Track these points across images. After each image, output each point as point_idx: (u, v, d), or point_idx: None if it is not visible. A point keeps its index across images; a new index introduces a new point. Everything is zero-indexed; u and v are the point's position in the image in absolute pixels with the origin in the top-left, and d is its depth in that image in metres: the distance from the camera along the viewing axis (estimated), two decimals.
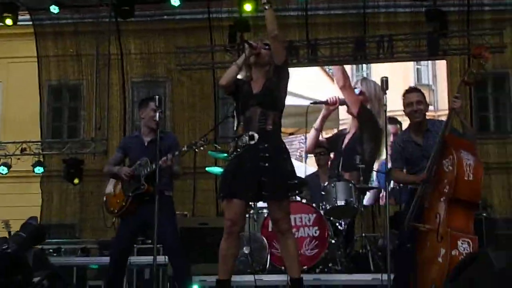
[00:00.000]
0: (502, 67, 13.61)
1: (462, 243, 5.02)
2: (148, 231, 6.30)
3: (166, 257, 6.35)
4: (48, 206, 13.85)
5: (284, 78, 5.12)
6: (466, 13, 12.79)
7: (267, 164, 4.84)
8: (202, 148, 5.98)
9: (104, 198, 6.38)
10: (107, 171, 6.34)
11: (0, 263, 5.84)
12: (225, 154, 7.60)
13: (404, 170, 5.80)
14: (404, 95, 5.74)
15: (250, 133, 4.92)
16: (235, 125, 5.26)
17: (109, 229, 12.58)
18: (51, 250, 10.36)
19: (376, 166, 10.82)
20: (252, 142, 4.89)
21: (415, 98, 5.63)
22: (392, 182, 7.32)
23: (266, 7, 5.11)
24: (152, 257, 5.98)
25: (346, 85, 11.81)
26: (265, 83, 5.08)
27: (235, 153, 4.99)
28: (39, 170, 12.75)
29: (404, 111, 5.74)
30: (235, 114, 5.23)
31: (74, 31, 13.91)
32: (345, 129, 11.62)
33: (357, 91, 11.65)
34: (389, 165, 6.05)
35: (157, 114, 6.04)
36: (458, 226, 5.15)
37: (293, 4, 13.40)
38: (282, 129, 5.23)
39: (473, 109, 12.97)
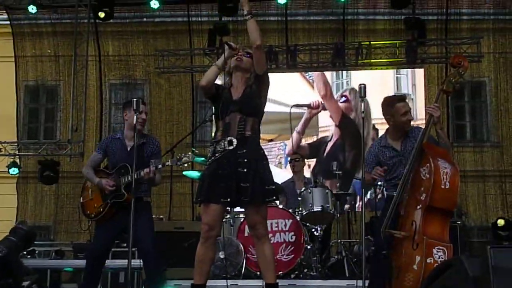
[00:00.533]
0: (479, 75, 13.70)
1: (437, 251, 5.01)
2: (126, 235, 6.19)
3: (141, 260, 6.27)
4: (23, 207, 13.73)
5: (264, 85, 5.13)
6: (445, 21, 12.86)
7: (245, 170, 4.86)
8: (186, 165, 6.01)
9: (81, 200, 6.27)
10: (87, 176, 6.17)
11: None
12: (203, 158, 7.60)
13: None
14: (396, 103, 5.72)
15: (229, 138, 4.93)
16: (214, 130, 5.25)
17: (84, 231, 12.69)
18: (24, 252, 10.22)
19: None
20: (231, 148, 4.91)
21: (409, 107, 5.71)
22: (369, 193, 7.35)
23: (248, 17, 5.08)
24: (127, 260, 5.90)
25: (327, 95, 11.85)
26: (245, 90, 5.09)
27: (213, 158, 4.97)
28: (14, 171, 12.54)
29: (391, 119, 5.73)
30: (213, 118, 5.25)
31: (52, 32, 13.81)
32: (327, 136, 11.65)
33: (343, 98, 11.70)
34: None
35: (144, 114, 5.98)
36: (433, 233, 5.13)
37: (273, 9, 13.41)
38: (262, 136, 5.27)
39: (449, 117, 13.01)
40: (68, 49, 13.56)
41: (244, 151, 4.90)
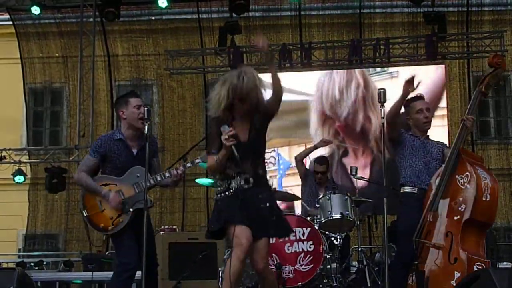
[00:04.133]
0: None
1: (477, 267, 4.84)
2: None
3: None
4: (33, 216, 13.40)
5: (268, 121, 4.95)
6: (466, 13, 12.46)
7: (264, 206, 4.80)
8: None
9: (85, 213, 5.57)
10: (89, 186, 5.51)
11: None
12: None
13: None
14: (411, 102, 5.65)
15: (245, 176, 4.81)
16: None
17: (96, 240, 12.46)
18: (32, 264, 10.01)
19: None
20: (247, 186, 4.80)
21: (425, 106, 5.63)
22: None
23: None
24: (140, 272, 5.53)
25: None
26: (251, 131, 4.88)
27: (227, 193, 4.85)
28: (19, 179, 12.21)
29: (410, 119, 5.69)
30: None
31: (58, 32, 13.45)
32: None
33: None
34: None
35: (143, 109, 5.47)
36: (472, 248, 4.99)
37: (286, 4, 13.08)
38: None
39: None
40: (76, 50, 13.14)
41: (261, 189, 4.85)
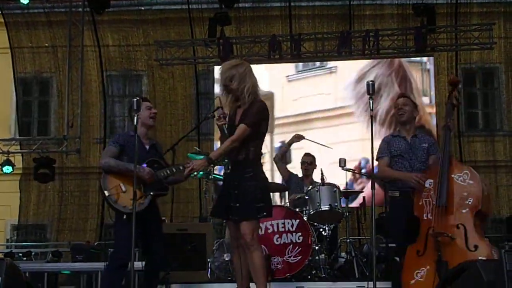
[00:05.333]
0: (491, 61, 13.30)
1: (494, 252, 5.12)
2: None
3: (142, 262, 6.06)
4: (26, 206, 13.37)
5: (260, 114, 5.27)
6: (454, 5, 12.50)
7: (236, 192, 5.16)
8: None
9: (107, 193, 5.82)
10: (116, 165, 5.84)
11: None
12: (203, 156, 7.32)
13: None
14: (394, 102, 6.32)
15: (227, 163, 5.37)
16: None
17: (89, 229, 12.48)
18: (20, 255, 9.99)
19: None
20: (228, 171, 5.35)
21: (401, 101, 6.14)
22: None
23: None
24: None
25: None
26: (241, 116, 5.27)
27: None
28: (8, 169, 12.15)
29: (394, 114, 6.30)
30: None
31: (47, 21, 13.30)
32: None
33: None
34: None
35: (153, 110, 6.06)
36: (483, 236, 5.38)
37: None
38: None
39: (461, 105, 12.63)
40: (65, 40, 13.02)
41: (235, 174, 5.25)
